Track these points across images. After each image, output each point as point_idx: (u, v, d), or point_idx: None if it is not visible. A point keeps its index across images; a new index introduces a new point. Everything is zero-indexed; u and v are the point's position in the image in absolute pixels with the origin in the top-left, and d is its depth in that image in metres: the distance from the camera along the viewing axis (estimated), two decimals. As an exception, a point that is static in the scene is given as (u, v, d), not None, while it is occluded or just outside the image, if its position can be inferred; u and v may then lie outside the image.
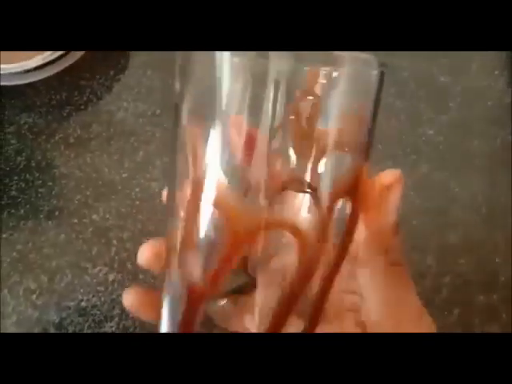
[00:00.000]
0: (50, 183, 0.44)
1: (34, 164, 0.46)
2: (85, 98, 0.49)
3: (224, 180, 0.19)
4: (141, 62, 0.50)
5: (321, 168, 0.20)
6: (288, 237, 0.20)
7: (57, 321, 0.37)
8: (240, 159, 0.20)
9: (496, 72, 0.45)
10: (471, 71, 0.45)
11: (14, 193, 0.44)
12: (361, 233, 0.23)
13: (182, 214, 0.21)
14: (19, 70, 0.49)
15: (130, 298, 0.24)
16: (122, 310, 0.37)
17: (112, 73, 0.50)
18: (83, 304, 0.37)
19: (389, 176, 0.23)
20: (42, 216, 0.42)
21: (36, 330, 0.37)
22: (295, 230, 0.20)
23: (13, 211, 0.43)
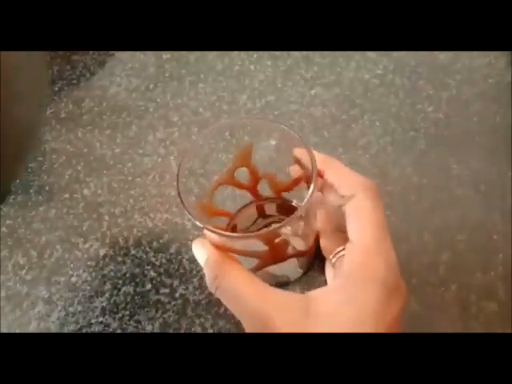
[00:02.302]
0: (41, 158, 0.43)
1: (24, 139, 0.45)
2: (77, 73, 0.48)
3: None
4: (134, 36, 0.49)
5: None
6: None
7: (46, 296, 0.36)
8: None
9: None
10: (472, 48, 0.44)
11: (3, 167, 0.43)
12: None
13: None
14: (10, 42, 0.47)
15: None
16: (114, 285, 0.36)
17: (105, 47, 0.49)
18: (73, 279, 0.37)
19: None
20: (32, 191, 0.41)
21: (25, 305, 0.36)
22: None
23: (2, 186, 0.42)
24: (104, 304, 0.35)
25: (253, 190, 0.33)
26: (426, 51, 0.44)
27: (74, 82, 0.47)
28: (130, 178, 0.41)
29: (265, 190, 0.34)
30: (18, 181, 0.42)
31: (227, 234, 0.26)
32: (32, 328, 0.35)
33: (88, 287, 0.36)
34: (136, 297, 0.35)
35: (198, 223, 0.25)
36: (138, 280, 0.36)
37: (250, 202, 0.34)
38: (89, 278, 0.37)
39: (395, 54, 0.44)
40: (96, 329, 0.35)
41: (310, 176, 0.27)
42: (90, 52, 0.49)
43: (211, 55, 0.47)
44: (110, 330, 0.34)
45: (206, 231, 0.26)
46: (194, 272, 0.36)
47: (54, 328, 0.35)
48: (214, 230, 0.25)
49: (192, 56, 0.47)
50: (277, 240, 0.27)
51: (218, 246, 0.27)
